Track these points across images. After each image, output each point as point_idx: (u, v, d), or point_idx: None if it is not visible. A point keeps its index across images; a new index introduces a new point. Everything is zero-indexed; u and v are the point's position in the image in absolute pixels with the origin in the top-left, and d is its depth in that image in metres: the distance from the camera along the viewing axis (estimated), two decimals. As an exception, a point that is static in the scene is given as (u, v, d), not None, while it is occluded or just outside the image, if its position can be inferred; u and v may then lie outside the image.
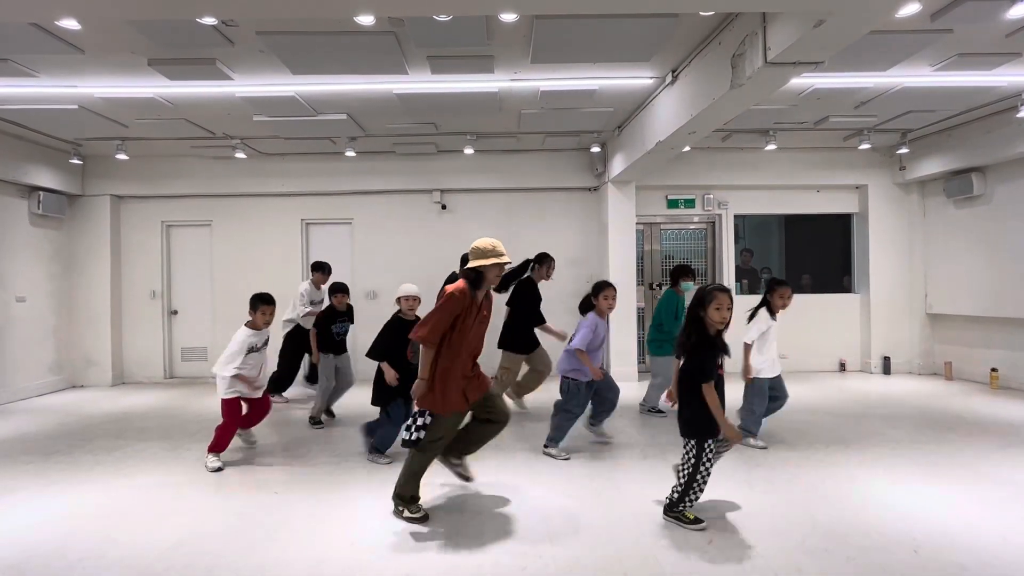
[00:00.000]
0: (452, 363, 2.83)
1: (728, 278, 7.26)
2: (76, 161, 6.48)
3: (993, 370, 6.02)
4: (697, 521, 2.76)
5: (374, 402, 3.82)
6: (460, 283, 2.85)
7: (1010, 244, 5.89)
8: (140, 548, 2.63)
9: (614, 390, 4.03)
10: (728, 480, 3.37)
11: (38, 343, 6.52)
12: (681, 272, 5.03)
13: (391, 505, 3.06)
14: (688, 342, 2.76)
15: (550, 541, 2.65)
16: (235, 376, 3.73)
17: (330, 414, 4.99)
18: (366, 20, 3.42)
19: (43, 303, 6.60)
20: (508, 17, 3.44)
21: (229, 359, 3.73)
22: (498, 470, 3.60)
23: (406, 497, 2.93)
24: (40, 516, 3.02)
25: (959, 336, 6.65)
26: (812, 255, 8.18)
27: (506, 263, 2.86)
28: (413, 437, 2.83)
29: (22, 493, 3.37)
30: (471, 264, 2.83)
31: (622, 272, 6.58)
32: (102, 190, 7.03)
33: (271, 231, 7.24)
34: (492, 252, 2.82)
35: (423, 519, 2.88)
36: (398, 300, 3.88)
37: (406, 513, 2.91)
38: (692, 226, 7.46)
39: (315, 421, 4.80)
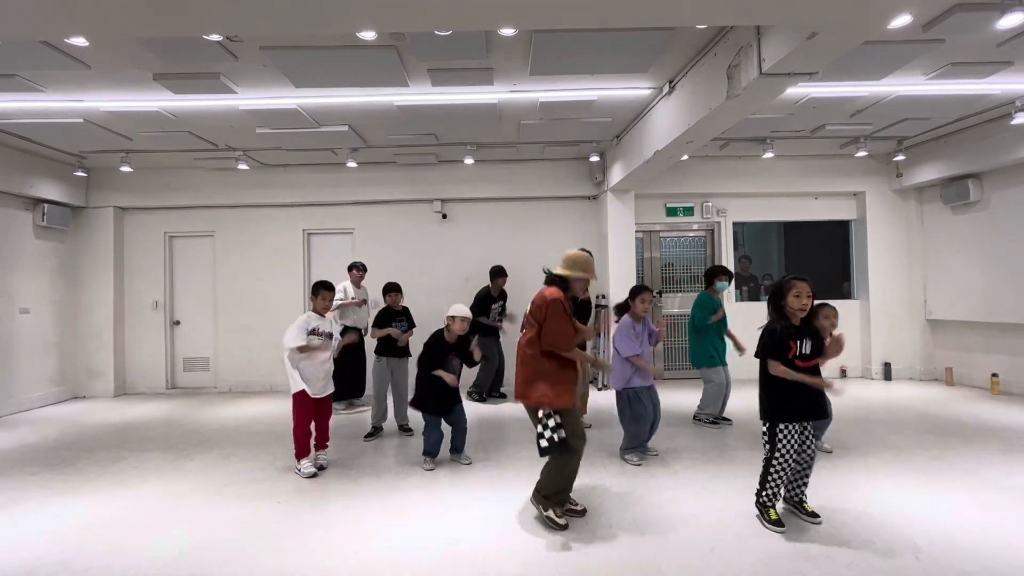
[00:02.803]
0: (567, 362, 2.91)
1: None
2: (80, 173, 6.55)
3: (994, 375, 6.03)
4: (778, 523, 2.78)
5: (413, 403, 3.98)
6: (553, 289, 2.91)
7: (1008, 249, 5.92)
8: (145, 559, 2.64)
9: (657, 404, 4.05)
10: (730, 486, 3.39)
11: (41, 354, 6.55)
12: (716, 272, 4.85)
13: (396, 514, 3.08)
14: (765, 328, 2.86)
15: (552, 548, 2.66)
16: (302, 353, 3.74)
17: (406, 430, 4.80)
18: (368, 35, 3.50)
19: (47, 314, 6.64)
20: (507, 31, 3.51)
21: (294, 336, 3.73)
22: (500, 478, 3.61)
23: (552, 497, 2.92)
24: (45, 527, 3.03)
25: (959, 342, 6.66)
26: (811, 262, 8.21)
27: (581, 277, 2.93)
28: (557, 439, 2.80)
29: (27, 504, 3.38)
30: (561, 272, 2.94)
31: (622, 280, 6.62)
32: (106, 202, 7.09)
33: (273, 241, 7.29)
34: (579, 265, 2.94)
35: (563, 527, 2.83)
36: (452, 319, 3.90)
37: (549, 513, 2.88)
38: (691, 234, 7.51)
39: (370, 433, 4.72)
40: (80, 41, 3.47)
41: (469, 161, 6.61)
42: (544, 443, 2.82)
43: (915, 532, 2.75)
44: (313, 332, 3.82)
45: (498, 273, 5.99)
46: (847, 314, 7.23)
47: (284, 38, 3.70)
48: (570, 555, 2.59)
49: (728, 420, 4.91)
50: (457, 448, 4.00)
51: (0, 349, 6.02)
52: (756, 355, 2.89)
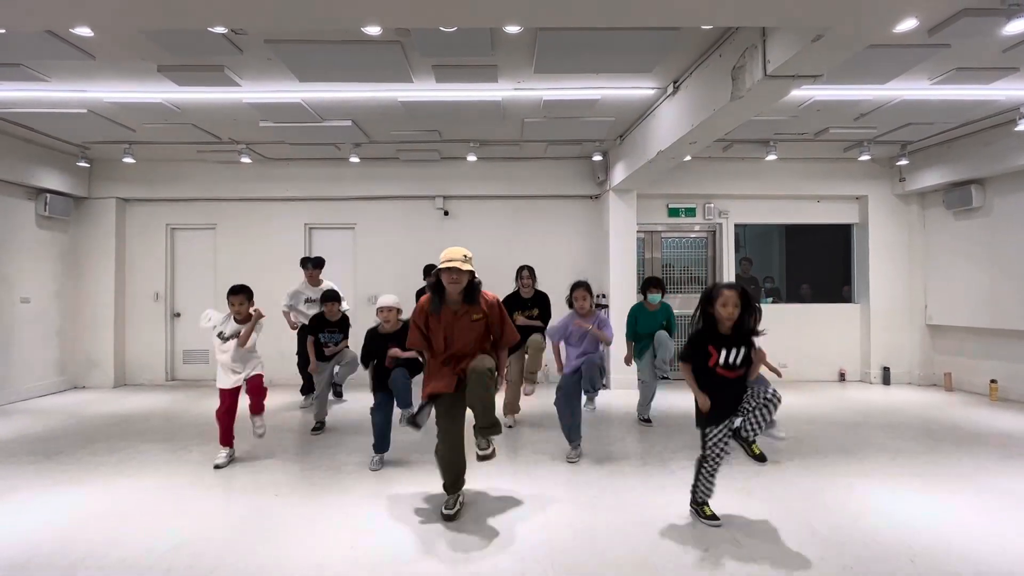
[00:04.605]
0: (433, 360, 3.04)
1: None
2: (83, 164, 6.55)
3: (992, 381, 6.03)
4: (712, 517, 2.88)
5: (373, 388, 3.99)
6: (424, 297, 3.02)
7: (1009, 256, 5.92)
8: (142, 549, 2.65)
9: (598, 371, 3.94)
10: (726, 488, 3.39)
11: (42, 344, 6.56)
12: (649, 284, 4.95)
13: (391, 508, 3.09)
14: (693, 333, 2.87)
15: (548, 546, 2.67)
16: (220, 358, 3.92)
17: (337, 394, 5.05)
18: (373, 30, 3.49)
19: (47, 304, 6.65)
20: (512, 29, 3.50)
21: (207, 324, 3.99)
22: (498, 476, 3.61)
23: (445, 485, 3.04)
24: (43, 516, 3.05)
25: (959, 347, 6.66)
26: (812, 265, 8.21)
27: (452, 267, 2.83)
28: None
29: (25, 493, 3.39)
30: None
31: (622, 280, 6.63)
32: (108, 193, 7.09)
33: (275, 235, 7.29)
34: (443, 259, 2.87)
35: (447, 517, 2.93)
36: (378, 311, 3.95)
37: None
38: (693, 234, 7.50)
39: (315, 428, 4.78)
40: (85, 31, 3.46)
41: (472, 158, 6.61)
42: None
43: (910, 536, 2.75)
44: (220, 336, 3.89)
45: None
46: (847, 318, 7.26)
47: (289, 32, 3.69)
48: (566, 553, 2.60)
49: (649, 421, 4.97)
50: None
51: (0, 338, 6.04)
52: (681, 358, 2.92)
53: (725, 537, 2.75)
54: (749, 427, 2.84)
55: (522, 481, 3.54)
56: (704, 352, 2.79)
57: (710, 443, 2.86)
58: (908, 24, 2.85)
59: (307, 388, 5.77)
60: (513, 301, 4.90)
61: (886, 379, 6.98)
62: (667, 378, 5.12)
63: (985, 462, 3.88)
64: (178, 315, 7.40)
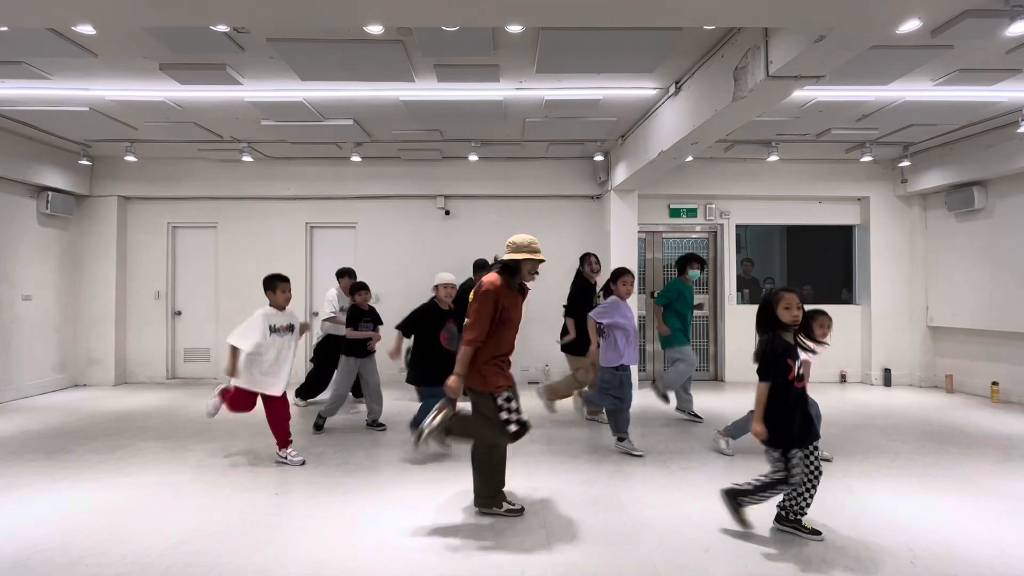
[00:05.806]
0: (495, 352, 2.90)
1: (729, 288, 7.29)
2: (85, 162, 6.56)
3: (994, 384, 6.02)
4: (746, 524, 2.75)
5: (409, 380, 4.08)
6: (493, 276, 2.91)
7: (1011, 258, 5.90)
8: (142, 546, 2.65)
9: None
10: (726, 489, 3.39)
11: (43, 341, 6.57)
12: (689, 260, 4.96)
13: (391, 507, 3.10)
14: (765, 346, 2.63)
15: (548, 546, 2.67)
16: (249, 359, 3.65)
17: (379, 426, 4.78)
18: (375, 29, 3.49)
19: (49, 302, 6.66)
20: (514, 28, 3.50)
21: (246, 332, 3.65)
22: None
23: (487, 496, 2.98)
24: (43, 513, 3.05)
25: (960, 349, 6.65)
26: (814, 266, 8.20)
27: (540, 260, 2.98)
28: (523, 420, 2.86)
29: (26, 490, 3.40)
30: (508, 257, 2.93)
31: (624, 280, 6.61)
32: (110, 191, 7.10)
33: (276, 234, 7.30)
34: (528, 247, 2.97)
35: (520, 511, 2.95)
36: (436, 288, 4.08)
37: (500, 511, 2.97)
38: (694, 235, 7.50)
39: (317, 426, 4.75)
40: (87, 29, 3.47)
41: (473, 158, 6.60)
42: (514, 427, 2.84)
43: (910, 538, 2.75)
44: (272, 329, 3.70)
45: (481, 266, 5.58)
46: (848, 319, 7.25)
47: (291, 30, 3.69)
48: (566, 554, 2.60)
49: (699, 418, 4.96)
50: None
51: (1, 336, 6.05)
52: (759, 374, 2.64)
53: (725, 538, 2.74)
54: (798, 505, 2.70)
55: (521, 481, 3.53)
56: (785, 366, 2.54)
57: (797, 466, 2.60)
58: (911, 25, 2.85)
59: (306, 393, 5.72)
60: (585, 289, 4.95)
61: (887, 381, 6.97)
62: (666, 399, 4.93)
63: (985, 464, 3.88)
64: (179, 313, 7.40)
